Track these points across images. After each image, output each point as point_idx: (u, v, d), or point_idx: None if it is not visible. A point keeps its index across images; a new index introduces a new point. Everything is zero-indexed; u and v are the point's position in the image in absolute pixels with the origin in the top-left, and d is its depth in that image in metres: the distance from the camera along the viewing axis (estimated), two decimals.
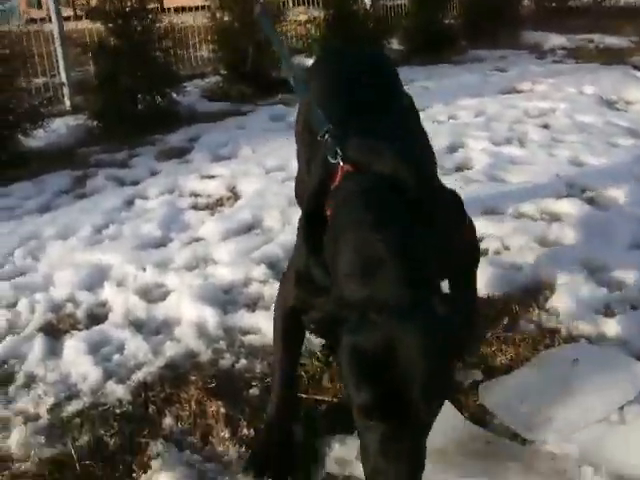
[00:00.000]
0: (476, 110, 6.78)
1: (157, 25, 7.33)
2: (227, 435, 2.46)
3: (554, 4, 13.94)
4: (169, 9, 12.57)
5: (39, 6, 8.81)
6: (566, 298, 3.12)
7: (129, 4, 7.09)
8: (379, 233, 2.00)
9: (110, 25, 7.05)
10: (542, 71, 8.76)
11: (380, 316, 1.81)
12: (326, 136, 2.36)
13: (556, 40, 11.13)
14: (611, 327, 2.91)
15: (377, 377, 1.77)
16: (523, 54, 10.34)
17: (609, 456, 2.22)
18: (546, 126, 6.09)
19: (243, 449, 2.39)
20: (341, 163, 2.26)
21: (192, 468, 2.32)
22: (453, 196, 2.70)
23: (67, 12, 9.09)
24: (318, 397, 2.63)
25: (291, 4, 10.42)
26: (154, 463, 2.34)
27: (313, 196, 2.32)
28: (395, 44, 10.55)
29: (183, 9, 10.65)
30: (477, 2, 11.61)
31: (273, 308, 2.56)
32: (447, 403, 2.45)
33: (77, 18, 8.29)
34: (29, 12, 12.02)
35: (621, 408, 2.40)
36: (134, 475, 2.32)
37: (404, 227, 2.07)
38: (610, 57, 9.59)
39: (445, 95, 7.50)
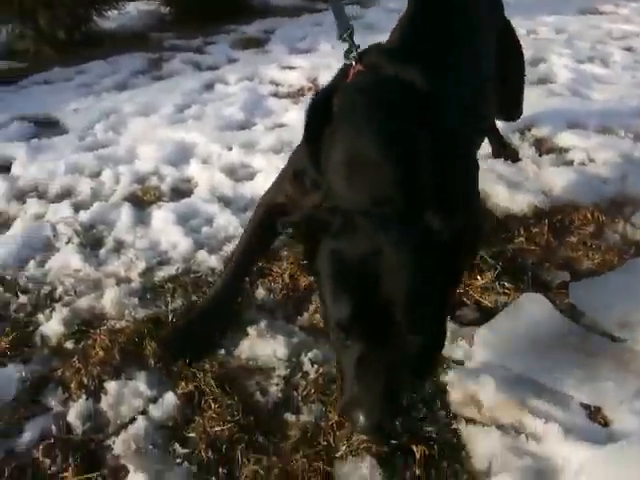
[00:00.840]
0: (557, 27, 6.56)
1: None
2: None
3: None
4: None
5: None
6: None
7: None
8: (379, 133, 1.89)
9: None
10: None
11: (367, 221, 1.70)
12: (344, 35, 2.31)
13: None
14: None
15: (358, 289, 1.63)
16: None
17: None
18: (629, 49, 5.84)
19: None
20: (354, 63, 2.21)
21: (290, 337, 2.32)
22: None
23: None
24: None
25: None
26: (250, 331, 2.34)
27: (323, 90, 2.24)
28: None
29: None
30: None
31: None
32: (542, 299, 2.42)
33: None
34: None
35: None
36: (233, 340, 2.33)
37: (407, 130, 1.92)
38: None
39: (525, 9, 7.27)
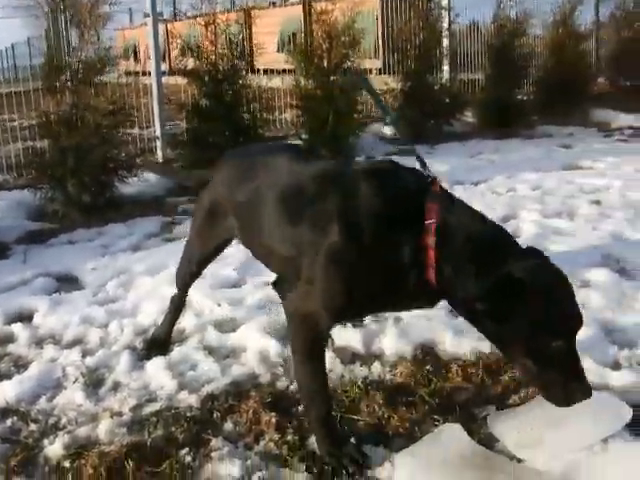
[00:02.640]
0: (534, 184, 7.25)
1: (246, 90, 8.00)
2: (276, 438, 2.98)
3: (628, 83, 14.19)
4: (258, 70, 13.43)
5: (135, 59, 9.44)
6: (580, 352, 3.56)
7: (221, 69, 7.78)
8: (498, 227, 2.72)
9: (204, 88, 7.76)
10: (605, 149, 9.17)
11: (544, 269, 2.58)
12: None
13: (625, 119, 11.52)
14: (615, 379, 3.31)
15: (572, 319, 2.55)
16: (591, 131, 10.76)
17: (586, 477, 2.64)
18: (597, 202, 6.48)
19: (287, 450, 2.92)
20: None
21: (245, 460, 2.84)
22: None
23: (162, 66, 9.81)
24: (356, 417, 3.15)
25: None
26: (214, 454, 2.88)
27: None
28: (469, 117, 11.10)
29: (272, 71, 11.37)
30: (551, 79, 12.11)
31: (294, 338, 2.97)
32: (458, 426, 2.96)
33: (172, 73, 8.91)
34: (126, 64, 12.86)
35: (604, 440, 2.79)
36: (198, 462, 2.86)
37: None
38: None
39: (508, 168, 8.00)
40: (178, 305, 3.92)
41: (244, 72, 8.18)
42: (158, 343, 3.85)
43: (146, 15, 8.95)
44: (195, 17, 8.40)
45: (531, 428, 2.89)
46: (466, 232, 2.59)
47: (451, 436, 2.90)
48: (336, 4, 9.10)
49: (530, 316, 2.44)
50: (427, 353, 3.70)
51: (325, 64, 8.79)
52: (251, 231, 3.24)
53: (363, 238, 2.65)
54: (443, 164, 7.76)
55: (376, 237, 2.65)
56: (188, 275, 3.83)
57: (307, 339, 2.87)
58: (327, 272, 2.72)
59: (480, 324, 2.65)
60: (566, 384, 2.51)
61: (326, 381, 2.90)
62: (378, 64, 12.66)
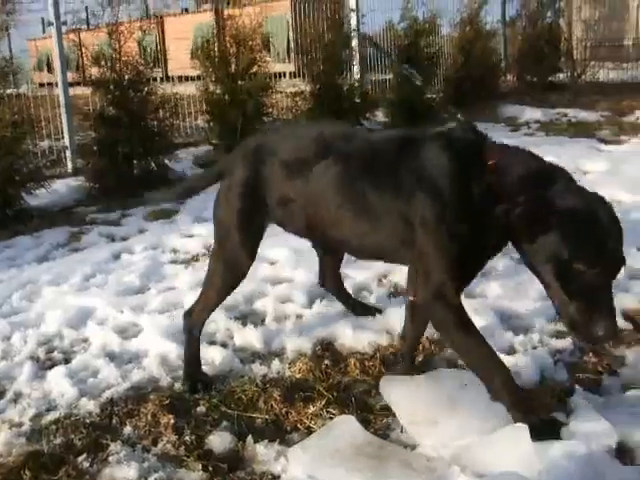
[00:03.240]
0: None
1: (152, 97, 8.00)
2: (173, 439, 3.03)
3: (535, 79, 14.51)
4: (173, 77, 13.40)
5: (49, 70, 9.39)
6: None
7: (126, 77, 7.77)
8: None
9: (109, 96, 7.73)
10: (512, 143, 9.34)
11: (581, 195, 2.68)
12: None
13: (532, 114, 11.78)
14: (510, 363, 3.41)
15: (597, 234, 2.54)
16: (499, 127, 10.93)
17: (475, 460, 2.71)
18: None
19: (184, 450, 2.97)
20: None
21: (142, 462, 2.89)
22: None
23: (75, 77, 9.72)
24: (254, 415, 3.22)
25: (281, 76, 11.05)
26: (111, 458, 2.92)
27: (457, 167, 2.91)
28: (380, 116, 11.23)
29: (186, 78, 11.37)
30: (460, 77, 12.37)
31: (435, 313, 2.96)
32: (351, 418, 3.04)
33: (86, 83, 8.85)
34: (40, 76, 12.71)
35: (494, 427, 2.83)
36: (95, 467, 2.89)
37: None
38: (579, 130, 10.28)
39: None
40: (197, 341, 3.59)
41: (149, 79, 8.14)
42: (199, 376, 3.52)
43: (50, 24, 8.86)
44: (107, 25, 8.30)
45: (426, 406, 2.98)
46: (517, 168, 2.82)
47: (344, 427, 2.97)
48: (243, 9, 9.14)
49: (563, 239, 2.55)
50: (326, 349, 3.78)
51: (233, 69, 8.79)
52: (322, 214, 3.19)
53: (459, 198, 2.85)
54: None
55: (464, 192, 2.85)
56: (217, 303, 3.58)
57: (451, 314, 2.90)
58: (442, 239, 2.86)
59: (523, 249, 2.78)
60: (593, 319, 2.52)
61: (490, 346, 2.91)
62: (291, 68, 12.73)
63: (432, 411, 2.96)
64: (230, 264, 3.44)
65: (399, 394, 3.12)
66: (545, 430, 2.71)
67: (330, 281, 4.10)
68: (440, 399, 2.97)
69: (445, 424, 2.87)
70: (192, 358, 3.53)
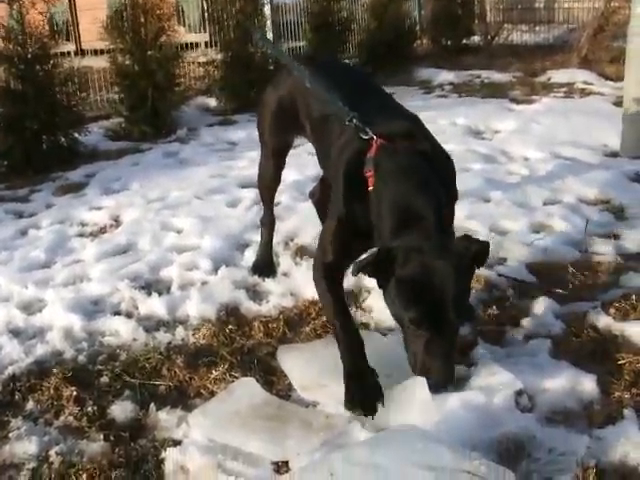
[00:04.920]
0: None
1: (59, 70, 7.83)
2: (75, 411, 3.02)
3: (449, 42, 14.55)
4: (87, 51, 13.12)
5: None
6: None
7: (31, 50, 7.59)
8: (420, 195, 2.78)
9: (13, 70, 7.55)
10: (423, 105, 9.33)
11: (421, 255, 2.61)
12: (354, 121, 3.07)
13: (446, 76, 11.83)
14: None
15: (424, 297, 2.59)
16: (413, 90, 10.97)
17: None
18: None
19: (86, 421, 2.96)
20: (374, 137, 2.98)
21: (43, 436, 2.87)
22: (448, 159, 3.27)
23: None
24: (157, 382, 3.22)
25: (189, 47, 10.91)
26: (12, 434, 2.90)
27: (352, 163, 3.05)
28: None
29: (102, 52, 11.14)
30: (374, 41, 12.33)
31: (313, 270, 3.20)
32: (251, 380, 3.06)
33: None
34: None
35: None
36: None
37: (436, 190, 2.85)
38: (491, 91, 10.38)
39: None
40: (270, 225, 4.30)
41: (56, 53, 7.95)
42: (266, 264, 4.24)
43: None
44: None
45: (316, 371, 3.04)
46: (385, 205, 2.86)
47: (244, 390, 3.00)
48: None
49: (396, 298, 2.69)
50: (231, 313, 3.80)
51: (142, 39, 8.65)
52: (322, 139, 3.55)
53: (345, 201, 3.07)
54: None
55: (349, 199, 3.05)
56: (270, 180, 4.16)
57: (321, 275, 3.14)
58: (330, 221, 3.19)
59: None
60: (430, 371, 2.67)
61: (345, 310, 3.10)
62: (206, 38, 12.57)
63: (322, 375, 3.02)
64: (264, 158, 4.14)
65: (292, 361, 3.19)
66: (358, 393, 2.81)
67: (318, 199, 4.42)
68: (332, 363, 2.98)
69: (335, 386, 2.89)
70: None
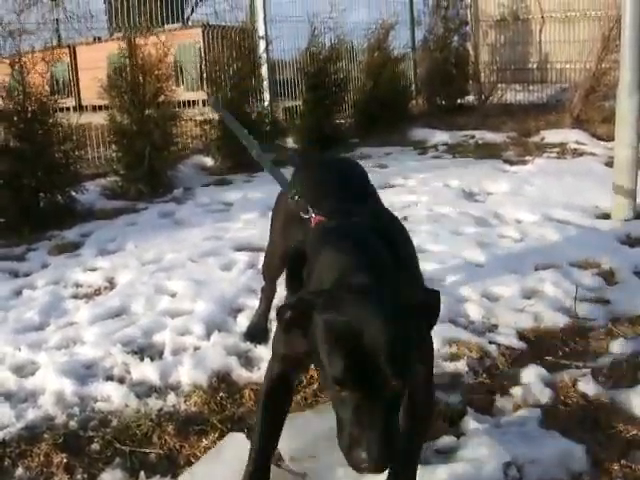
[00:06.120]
0: None
1: (58, 129, 7.92)
2: (65, 479, 3.03)
3: (443, 102, 14.75)
4: (87, 107, 13.26)
5: None
6: None
7: (30, 109, 7.69)
8: (354, 254, 2.39)
9: (13, 129, 7.64)
10: (418, 166, 9.52)
11: (346, 294, 2.16)
12: (296, 197, 2.96)
13: (440, 137, 11.89)
14: None
15: (347, 348, 2.03)
16: (407, 150, 11.06)
17: None
18: (405, 218, 6.73)
19: None
20: (313, 216, 2.80)
21: None
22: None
23: None
24: (147, 450, 3.22)
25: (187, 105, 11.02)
26: None
27: (294, 248, 2.87)
28: (290, 142, 11.30)
29: (100, 108, 11.26)
30: (369, 102, 12.46)
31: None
32: (241, 436, 3.07)
33: None
34: None
35: None
36: None
37: (376, 251, 2.46)
38: (485, 152, 10.49)
39: None
40: (269, 293, 4.29)
41: (55, 110, 8.05)
42: (260, 331, 4.24)
43: None
44: (10, 57, 8.16)
45: (307, 442, 3.05)
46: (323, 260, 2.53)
47: (234, 450, 3.02)
48: (149, 38, 9.11)
49: (316, 355, 2.19)
50: (222, 380, 3.81)
51: (140, 98, 8.77)
52: None
53: None
54: (262, 192, 7.83)
55: None
56: (274, 269, 4.00)
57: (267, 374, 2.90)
58: None
59: None
60: (357, 446, 2.04)
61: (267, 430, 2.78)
62: (203, 96, 12.71)
63: (312, 446, 3.04)
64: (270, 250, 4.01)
65: (285, 431, 3.15)
66: None
67: None
68: (324, 433, 3.00)
69: (326, 457, 2.91)
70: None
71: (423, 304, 2.26)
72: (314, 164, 3.84)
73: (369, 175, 3.62)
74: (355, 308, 2.11)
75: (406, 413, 2.56)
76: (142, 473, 3.03)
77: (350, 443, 2.03)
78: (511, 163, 9.55)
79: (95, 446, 3.26)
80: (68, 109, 9.08)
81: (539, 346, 4.01)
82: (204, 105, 11.59)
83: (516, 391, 3.54)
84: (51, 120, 7.90)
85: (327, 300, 2.17)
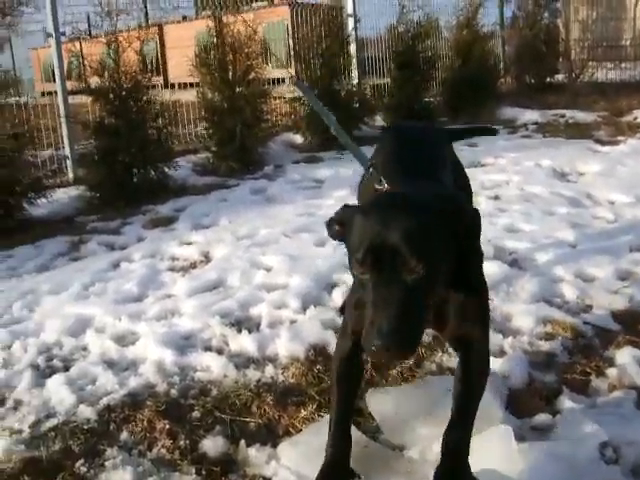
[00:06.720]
0: None
1: (151, 106, 8.08)
2: (168, 444, 3.11)
3: (533, 80, 14.58)
4: (173, 85, 13.46)
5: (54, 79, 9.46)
6: None
7: (125, 86, 7.87)
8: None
9: (108, 106, 7.82)
10: (508, 145, 9.49)
11: (383, 198, 2.38)
12: (371, 169, 2.95)
13: (530, 115, 11.84)
14: (496, 365, 3.49)
15: (370, 234, 2.10)
16: (497, 129, 10.98)
17: None
18: (496, 197, 6.76)
19: (178, 455, 3.05)
20: (386, 186, 2.67)
21: (138, 467, 2.97)
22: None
23: (75, 86, 9.72)
24: (247, 419, 3.30)
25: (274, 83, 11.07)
26: (108, 463, 3.00)
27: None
28: (379, 121, 11.30)
29: (185, 85, 11.43)
30: (458, 80, 12.42)
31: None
32: None
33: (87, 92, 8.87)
34: (43, 85, 12.77)
35: None
36: (93, 472, 2.97)
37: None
38: (576, 131, 10.37)
39: None
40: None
41: (148, 88, 8.21)
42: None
43: (49, 35, 8.95)
44: (106, 35, 8.35)
45: (406, 416, 3.07)
46: None
47: None
48: (238, 16, 9.19)
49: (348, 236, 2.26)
50: (319, 353, 3.85)
51: (230, 76, 8.88)
52: None
53: None
54: (354, 169, 7.78)
55: None
56: None
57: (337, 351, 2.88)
58: None
59: None
60: (370, 329, 2.02)
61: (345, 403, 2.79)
62: (291, 73, 12.79)
63: (412, 419, 3.04)
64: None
65: (381, 404, 3.22)
66: None
67: None
68: (421, 407, 3.05)
69: (425, 430, 2.93)
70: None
71: (458, 211, 2.33)
72: (392, 136, 3.65)
73: (455, 149, 3.71)
74: (386, 205, 2.24)
75: (461, 369, 2.65)
76: (242, 441, 3.09)
77: (366, 326, 2.03)
78: (603, 143, 9.39)
79: (196, 414, 3.34)
80: (155, 87, 9.19)
81: (634, 328, 3.95)
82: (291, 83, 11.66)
83: (611, 372, 3.51)
84: (144, 97, 8.05)
85: (366, 204, 2.36)
